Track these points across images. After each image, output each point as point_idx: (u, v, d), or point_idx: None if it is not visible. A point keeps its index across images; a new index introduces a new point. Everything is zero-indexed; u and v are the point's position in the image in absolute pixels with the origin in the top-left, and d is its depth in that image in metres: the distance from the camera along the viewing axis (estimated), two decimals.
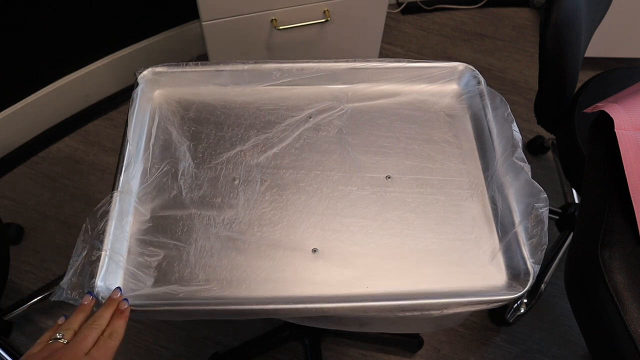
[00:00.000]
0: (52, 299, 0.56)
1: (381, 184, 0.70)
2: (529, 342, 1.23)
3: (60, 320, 0.54)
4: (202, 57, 1.63)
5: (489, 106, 0.75)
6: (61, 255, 1.29)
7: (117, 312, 0.54)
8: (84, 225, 0.59)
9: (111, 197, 0.63)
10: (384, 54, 1.77)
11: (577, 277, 0.62)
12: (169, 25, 1.55)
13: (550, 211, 1.05)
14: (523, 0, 1.95)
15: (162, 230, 0.65)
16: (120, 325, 0.53)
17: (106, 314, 0.54)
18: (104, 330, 0.52)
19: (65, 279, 0.56)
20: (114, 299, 0.56)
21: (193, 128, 0.75)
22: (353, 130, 0.76)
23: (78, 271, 0.57)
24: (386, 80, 0.79)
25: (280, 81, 0.77)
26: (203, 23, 1.20)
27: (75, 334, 0.51)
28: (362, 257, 0.64)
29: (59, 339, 0.50)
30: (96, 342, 0.50)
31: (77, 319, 0.53)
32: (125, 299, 0.56)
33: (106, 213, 0.61)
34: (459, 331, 1.23)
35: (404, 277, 0.62)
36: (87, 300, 0.55)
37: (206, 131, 0.75)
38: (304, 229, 0.66)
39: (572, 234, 1.33)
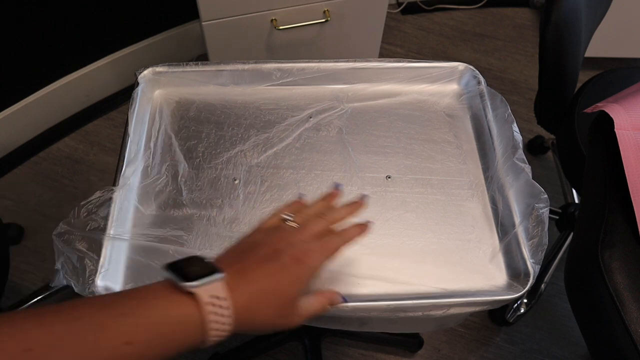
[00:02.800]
0: (52, 285, 0.56)
1: (381, 184, 0.70)
2: (529, 342, 1.23)
3: (299, 197, 0.52)
4: (202, 57, 1.63)
5: (489, 106, 0.75)
6: None
7: (359, 224, 0.50)
8: (72, 211, 0.59)
9: (111, 195, 0.63)
10: (384, 54, 1.77)
11: (577, 277, 0.62)
12: (169, 25, 1.55)
13: (550, 211, 1.05)
14: (523, 0, 1.95)
15: (162, 229, 0.65)
16: (355, 233, 0.49)
17: (344, 212, 0.50)
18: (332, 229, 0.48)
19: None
20: (359, 203, 0.51)
21: (193, 128, 0.75)
22: (353, 130, 0.76)
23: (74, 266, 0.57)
24: (386, 80, 0.80)
25: (281, 81, 0.77)
26: (203, 23, 1.20)
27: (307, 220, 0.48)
28: (362, 257, 0.64)
29: (290, 220, 0.48)
30: (322, 235, 0.47)
31: (315, 206, 0.50)
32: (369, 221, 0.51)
33: (107, 211, 0.61)
34: (459, 331, 1.23)
35: (404, 277, 0.62)
36: (336, 192, 0.52)
37: (206, 131, 0.75)
38: None
39: (572, 234, 1.33)
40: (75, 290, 0.56)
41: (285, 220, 0.48)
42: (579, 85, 1.04)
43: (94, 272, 0.57)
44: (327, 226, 0.48)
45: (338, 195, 0.52)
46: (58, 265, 0.56)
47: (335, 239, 0.47)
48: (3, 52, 1.26)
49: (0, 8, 1.18)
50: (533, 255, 0.60)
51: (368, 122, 0.77)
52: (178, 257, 0.41)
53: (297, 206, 0.52)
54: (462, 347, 1.21)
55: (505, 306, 1.23)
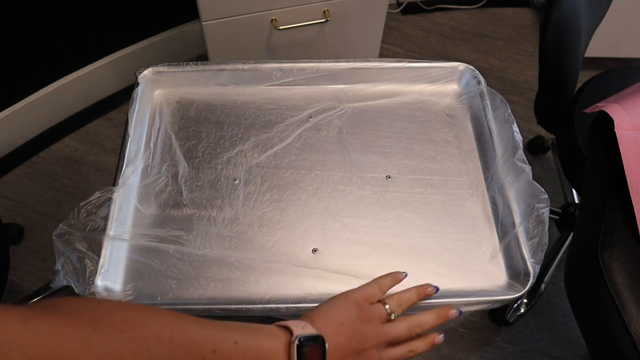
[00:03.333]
0: (52, 285, 0.56)
1: (381, 184, 0.70)
2: (529, 342, 1.23)
3: (402, 276, 0.56)
4: (202, 57, 1.63)
5: (489, 106, 0.75)
6: None
7: (427, 341, 0.53)
8: (71, 212, 0.59)
9: (111, 195, 0.63)
10: (384, 54, 1.77)
11: (577, 277, 0.62)
12: (169, 25, 1.55)
13: (550, 211, 1.05)
14: (523, 0, 1.95)
15: (162, 230, 0.65)
16: (421, 350, 0.53)
17: (429, 324, 0.53)
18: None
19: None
20: (447, 315, 0.54)
21: (193, 128, 0.75)
22: (353, 130, 0.76)
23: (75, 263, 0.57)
24: (386, 80, 0.80)
25: (281, 81, 0.77)
26: (203, 23, 1.20)
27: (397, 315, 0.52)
28: (362, 257, 0.64)
29: (389, 312, 0.51)
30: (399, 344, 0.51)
31: (410, 301, 0.54)
32: (445, 335, 0.55)
33: (107, 211, 0.61)
34: (459, 331, 1.23)
35: None
36: (431, 291, 0.56)
37: (206, 131, 0.75)
38: (304, 229, 0.66)
39: (572, 234, 1.33)
40: (76, 290, 0.56)
41: (386, 310, 0.52)
42: (579, 85, 1.04)
43: (94, 272, 0.57)
44: (409, 336, 0.52)
45: (431, 295, 0.56)
46: (58, 266, 0.56)
47: (408, 352, 0.51)
48: (3, 52, 1.26)
49: (0, 8, 1.18)
50: (533, 255, 0.60)
51: (368, 122, 0.77)
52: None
53: (395, 281, 0.56)
54: (462, 347, 1.21)
55: (505, 306, 1.23)
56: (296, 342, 0.43)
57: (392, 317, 0.52)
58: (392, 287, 0.55)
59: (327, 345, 0.45)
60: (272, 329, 0.45)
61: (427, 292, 0.56)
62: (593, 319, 0.59)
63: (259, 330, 0.44)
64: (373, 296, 0.52)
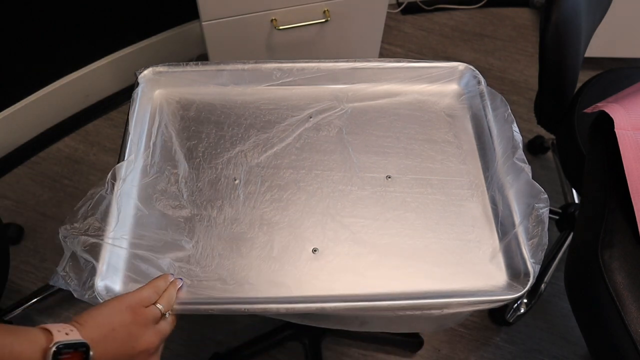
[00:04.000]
0: (51, 282, 0.57)
1: (381, 184, 0.70)
2: (529, 342, 1.23)
3: (179, 283, 0.59)
4: (202, 57, 1.63)
5: (489, 106, 0.75)
6: (61, 255, 1.28)
7: (170, 287, 0.58)
8: (70, 213, 0.59)
9: (111, 195, 0.62)
10: (384, 54, 1.77)
11: (577, 277, 0.62)
12: (169, 25, 1.55)
13: (550, 211, 1.05)
14: (523, 0, 1.95)
15: (163, 230, 0.65)
16: (171, 304, 0.57)
17: (173, 297, 0.57)
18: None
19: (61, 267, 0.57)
20: (175, 281, 0.59)
21: (193, 127, 0.75)
22: (353, 130, 0.76)
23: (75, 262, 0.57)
24: (386, 80, 0.80)
25: (281, 81, 0.77)
26: (203, 23, 1.20)
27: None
28: (362, 256, 0.64)
29: (162, 312, 0.54)
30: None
31: (174, 297, 0.57)
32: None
33: (106, 212, 0.61)
34: (459, 331, 1.23)
35: (404, 276, 0.62)
36: (179, 282, 0.59)
37: (206, 131, 0.75)
38: (304, 228, 0.66)
39: (572, 234, 1.33)
40: (75, 295, 0.56)
41: (160, 310, 0.54)
42: (579, 85, 1.04)
43: (93, 275, 0.57)
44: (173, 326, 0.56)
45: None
46: (59, 269, 0.56)
47: (164, 324, 0.54)
48: (3, 52, 1.26)
49: (0, 8, 1.18)
50: (533, 255, 0.60)
51: (368, 122, 0.77)
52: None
53: (172, 286, 0.58)
54: (462, 347, 1.21)
55: (505, 306, 1.23)
56: (53, 348, 0.42)
57: (166, 316, 0.54)
58: (166, 288, 0.57)
59: (92, 353, 0.44)
60: (32, 332, 0.43)
61: (178, 284, 0.59)
62: (593, 319, 0.59)
63: (15, 332, 0.42)
64: (148, 299, 0.53)
